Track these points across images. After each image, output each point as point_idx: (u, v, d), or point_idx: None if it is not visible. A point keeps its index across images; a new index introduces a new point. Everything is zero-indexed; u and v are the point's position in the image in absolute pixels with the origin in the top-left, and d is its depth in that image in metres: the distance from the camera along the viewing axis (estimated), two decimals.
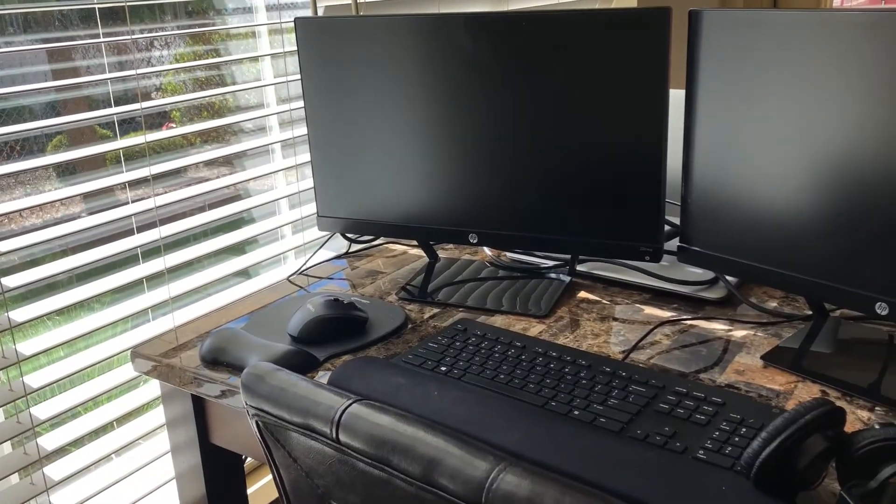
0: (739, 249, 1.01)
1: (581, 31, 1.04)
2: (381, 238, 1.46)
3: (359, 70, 1.20)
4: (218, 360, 1.03)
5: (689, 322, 1.10)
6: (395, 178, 1.23)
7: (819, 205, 0.92)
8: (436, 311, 1.17)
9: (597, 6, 2.32)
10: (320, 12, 1.52)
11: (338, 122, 1.24)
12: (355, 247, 1.43)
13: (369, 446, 0.71)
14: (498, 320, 1.13)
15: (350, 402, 0.74)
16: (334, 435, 0.73)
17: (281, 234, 1.63)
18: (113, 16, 1.27)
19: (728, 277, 1.16)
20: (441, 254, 1.39)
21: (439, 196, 1.21)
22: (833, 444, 0.69)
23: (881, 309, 0.89)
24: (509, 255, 1.35)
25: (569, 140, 1.10)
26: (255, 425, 0.82)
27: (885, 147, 0.85)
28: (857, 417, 0.86)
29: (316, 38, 1.21)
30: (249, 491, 1.53)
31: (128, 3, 1.25)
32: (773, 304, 1.13)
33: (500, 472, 0.63)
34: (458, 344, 1.02)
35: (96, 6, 1.23)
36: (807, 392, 0.91)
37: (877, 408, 0.87)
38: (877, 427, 0.70)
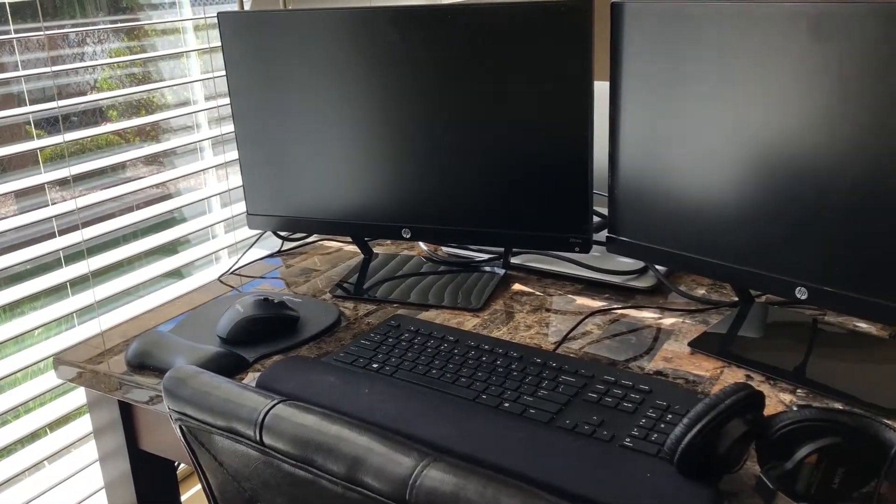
0: (665, 238, 1.03)
1: (505, 24, 1.04)
2: (316, 235, 1.44)
3: (286, 65, 1.18)
4: (145, 365, 1.01)
5: (619, 311, 1.11)
6: (327, 175, 1.21)
7: (741, 193, 0.94)
8: (370, 307, 1.16)
9: None
10: (248, 6, 1.49)
11: (266, 118, 1.22)
12: (288, 245, 1.41)
13: (293, 447, 0.69)
14: (433, 315, 1.12)
15: (273, 403, 0.72)
16: (258, 437, 0.71)
17: (213, 233, 1.60)
18: (36, 11, 1.23)
19: (658, 266, 1.17)
20: (379, 250, 1.38)
21: (371, 192, 1.20)
22: (752, 427, 0.70)
23: (801, 293, 0.91)
24: (445, 249, 1.35)
25: (498, 133, 1.10)
26: (178, 430, 0.80)
27: (802, 136, 0.87)
28: (780, 400, 0.88)
29: (240, 32, 1.19)
30: (183, 497, 1.50)
31: None
32: (701, 292, 1.15)
33: (423, 467, 0.63)
34: (391, 340, 1.01)
35: (7, 1, 1.18)
36: (732, 377, 0.93)
37: (798, 390, 0.89)
38: (794, 409, 0.71)
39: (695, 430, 0.69)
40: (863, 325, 1.02)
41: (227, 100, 1.53)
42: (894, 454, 0.70)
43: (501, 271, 1.24)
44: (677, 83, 0.96)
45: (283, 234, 1.40)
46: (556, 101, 1.05)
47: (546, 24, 1.02)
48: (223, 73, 1.51)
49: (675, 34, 0.95)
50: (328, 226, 1.24)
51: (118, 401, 1.07)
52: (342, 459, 0.66)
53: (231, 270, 1.32)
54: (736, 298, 1.10)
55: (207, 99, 1.55)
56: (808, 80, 0.85)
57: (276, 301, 1.08)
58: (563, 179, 1.08)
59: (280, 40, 1.17)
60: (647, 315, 1.09)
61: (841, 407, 0.86)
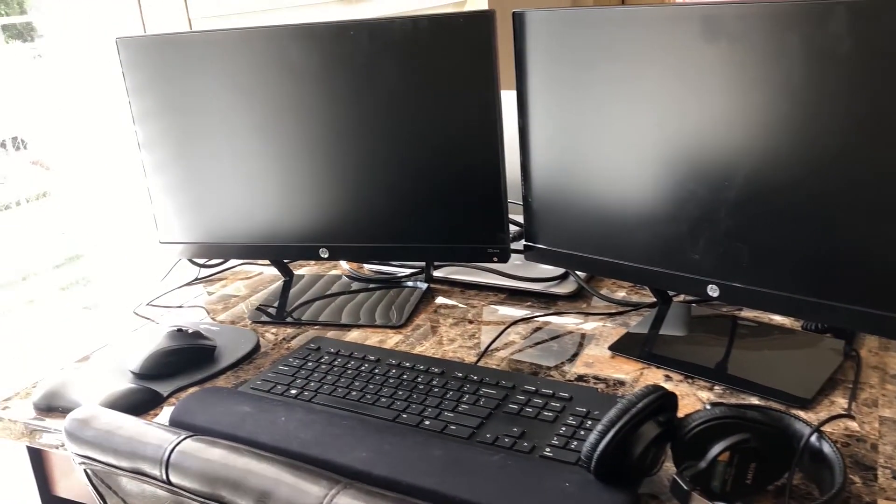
0: (580, 244, 1.03)
1: (408, 38, 1.03)
2: (235, 260, 1.41)
3: (193, 88, 1.15)
4: (52, 407, 0.96)
5: (541, 319, 1.11)
6: (240, 198, 1.19)
7: (644, 195, 0.95)
8: (291, 331, 1.14)
9: (450, 10, 2.32)
10: (149, 26, 1.46)
11: (174, 143, 1.18)
12: (206, 271, 1.38)
13: (201, 484, 0.67)
14: (355, 335, 1.10)
15: (179, 439, 0.70)
16: (165, 476, 0.69)
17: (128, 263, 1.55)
18: None
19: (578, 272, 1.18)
20: (304, 271, 1.35)
21: (287, 213, 1.18)
22: (666, 428, 0.70)
23: (713, 291, 0.92)
24: (368, 266, 1.33)
25: (410, 147, 1.09)
26: (84, 473, 0.77)
27: (695, 135, 0.88)
28: (699, 398, 0.88)
29: (143, 57, 1.15)
30: None
31: None
32: (622, 294, 1.16)
33: (333, 496, 0.61)
34: (310, 364, 0.99)
35: None
36: (652, 378, 0.93)
37: (716, 387, 0.90)
38: (708, 408, 0.72)
39: (608, 435, 0.68)
40: (777, 319, 1.04)
41: None
42: (803, 446, 0.71)
43: (424, 285, 1.23)
44: (580, 89, 0.97)
45: (199, 261, 1.37)
46: (465, 114, 1.05)
47: (447, 37, 1.02)
48: None
49: (576, 40, 0.95)
50: (244, 250, 1.22)
51: (27, 447, 1.02)
52: (250, 493, 0.64)
53: (147, 302, 1.28)
54: (654, 299, 1.11)
55: None
56: (697, 80, 0.86)
57: (190, 331, 1.04)
58: (478, 190, 1.08)
59: (186, 63, 1.14)
60: (569, 321, 1.09)
61: (757, 401, 0.87)
